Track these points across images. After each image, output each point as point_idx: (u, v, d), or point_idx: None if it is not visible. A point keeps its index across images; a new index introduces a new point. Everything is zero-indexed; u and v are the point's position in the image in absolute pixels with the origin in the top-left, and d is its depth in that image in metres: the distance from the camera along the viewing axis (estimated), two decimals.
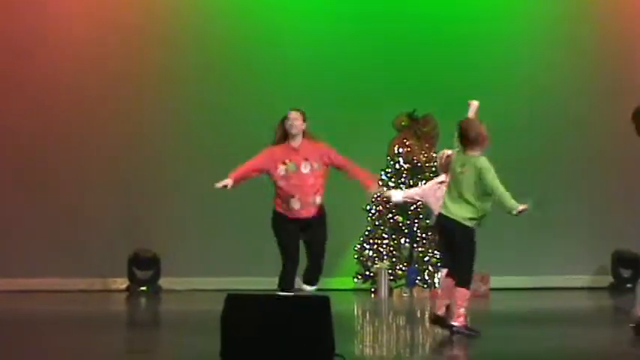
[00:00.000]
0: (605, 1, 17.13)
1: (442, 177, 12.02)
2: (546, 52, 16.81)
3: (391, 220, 15.61)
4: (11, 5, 16.31)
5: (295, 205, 11.07)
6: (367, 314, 12.03)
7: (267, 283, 14.73)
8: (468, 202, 10.17)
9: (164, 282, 16.05)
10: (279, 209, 11.23)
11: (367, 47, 16.43)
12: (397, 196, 12.57)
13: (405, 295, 15.35)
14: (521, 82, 16.61)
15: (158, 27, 16.57)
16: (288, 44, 16.64)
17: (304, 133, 11.33)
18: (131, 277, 16.04)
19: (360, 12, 16.61)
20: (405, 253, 15.63)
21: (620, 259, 16.36)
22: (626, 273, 16.31)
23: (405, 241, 15.65)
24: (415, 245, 15.47)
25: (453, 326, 10.23)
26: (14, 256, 15.85)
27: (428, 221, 15.22)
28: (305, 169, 11.15)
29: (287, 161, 11.12)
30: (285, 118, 11.31)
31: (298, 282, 11.22)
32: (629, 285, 16.06)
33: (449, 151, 11.96)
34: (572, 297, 13.71)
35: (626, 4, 17.08)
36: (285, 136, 11.27)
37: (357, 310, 12.89)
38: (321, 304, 7.58)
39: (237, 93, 16.49)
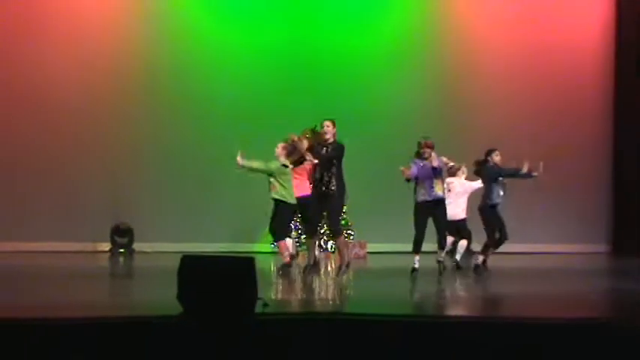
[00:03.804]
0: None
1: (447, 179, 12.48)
2: (405, 80, 17.00)
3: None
4: None
5: None
6: (280, 270, 12.14)
7: (214, 247, 14.98)
8: None
9: (137, 246, 16.01)
10: None
11: (280, 83, 16.50)
12: None
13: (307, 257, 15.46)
14: (384, 101, 16.80)
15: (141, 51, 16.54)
16: (217, 74, 16.63)
17: None
18: (112, 242, 15.99)
19: (275, 53, 16.67)
20: None
21: None
22: None
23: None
24: None
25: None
26: (27, 225, 15.78)
27: None
28: None
29: None
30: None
31: None
32: None
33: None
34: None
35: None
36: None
37: (273, 268, 13.00)
38: (248, 262, 7.66)
39: (192, 106, 16.53)
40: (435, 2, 17.53)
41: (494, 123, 16.84)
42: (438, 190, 11.83)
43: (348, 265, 11.56)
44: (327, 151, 11.26)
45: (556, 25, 17.46)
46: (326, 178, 11.15)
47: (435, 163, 11.63)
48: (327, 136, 11.36)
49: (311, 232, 11.69)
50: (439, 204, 11.88)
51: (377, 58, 16.97)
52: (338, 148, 11.27)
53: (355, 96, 16.43)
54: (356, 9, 17.10)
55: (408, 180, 11.66)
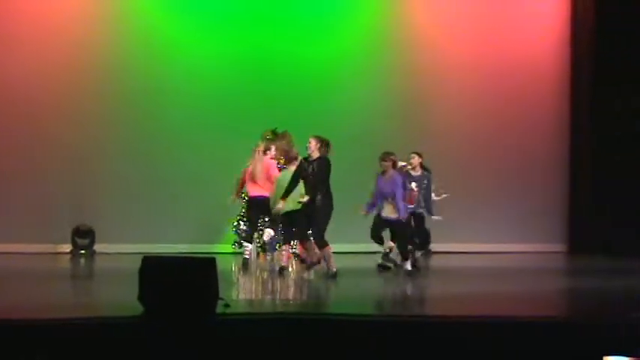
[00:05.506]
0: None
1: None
2: (368, 85, 16.95)
3: None
4: None
5: None
6: (241, 271, 12.11)
7: (175, 248, 14.87)
8: None
9: (97, 247, 15.83)
10: None
11: (244, 89, 16.31)
12: None
13: (267, 257, 15.44)
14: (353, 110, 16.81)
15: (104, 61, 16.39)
16: (179, 76, 16.41)
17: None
18: (74, 243, 15.81)
19: (238, 58, 16.49)
20: None
21: None
22: None
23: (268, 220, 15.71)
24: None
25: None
26: None
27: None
28: None
29: None
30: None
31: None
32: None
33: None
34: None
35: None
36: None
37: (234, 268, 12.98)
38: (209, 263, 7.69)
39: (152, 107, 16.29)
40: (394, 11, 17.47)
41: (454, 129, 16.90)
42: (388, 212, 11.74)
43: (328, 269, 11.51)
44: (312, 169, 11.26)
45: (514, 36, 17.59)
46: (318, 197, 11.21)
47: (388, 187, 11.66)
48: (309, 152, 11.44)
49: (304, 237, 11.76)
50: (392, 223, 11.82)
51: (339, 62, 16.84)
52: (323, 165, 11.24)
53: (317, 101, 16.36)
54: (319, 14, 17.04)
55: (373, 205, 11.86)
